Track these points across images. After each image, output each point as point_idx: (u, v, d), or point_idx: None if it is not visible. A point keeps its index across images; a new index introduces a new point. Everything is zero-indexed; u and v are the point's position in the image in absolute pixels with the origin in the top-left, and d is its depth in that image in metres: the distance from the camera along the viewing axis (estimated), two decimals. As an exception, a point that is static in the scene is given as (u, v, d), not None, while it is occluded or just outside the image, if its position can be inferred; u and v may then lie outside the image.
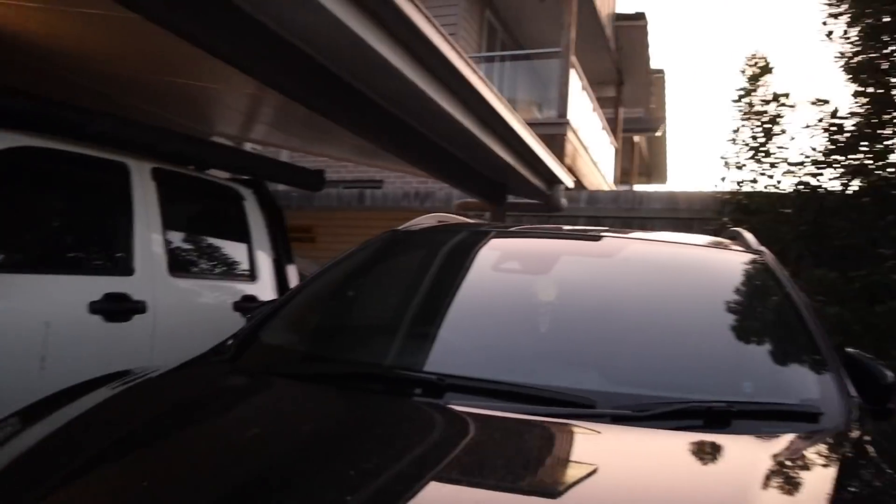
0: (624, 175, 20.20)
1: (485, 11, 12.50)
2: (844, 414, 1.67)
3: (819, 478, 1.34)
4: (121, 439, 1.46)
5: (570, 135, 10.85)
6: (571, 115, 10.98)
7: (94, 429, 1.54)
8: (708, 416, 1.54)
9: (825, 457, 1.46)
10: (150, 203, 3.46)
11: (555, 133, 10.61)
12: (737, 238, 2.77)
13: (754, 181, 6.78)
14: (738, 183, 6.89)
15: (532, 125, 10.60)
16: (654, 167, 25.13)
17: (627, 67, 16.20)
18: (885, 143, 5.95)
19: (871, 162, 5.87)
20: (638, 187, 23.64)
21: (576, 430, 1.51)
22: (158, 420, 1.57)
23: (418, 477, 1.29)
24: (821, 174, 6.28)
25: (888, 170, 5.71)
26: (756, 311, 2.14)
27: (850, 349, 2.20)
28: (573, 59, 11.18)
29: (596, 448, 1.46)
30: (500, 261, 2.44)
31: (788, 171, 6.48)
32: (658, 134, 20.26)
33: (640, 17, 14.87)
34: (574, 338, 1.98)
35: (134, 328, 3.17)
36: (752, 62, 6.81)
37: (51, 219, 3.20)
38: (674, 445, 1.45)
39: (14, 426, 1.61)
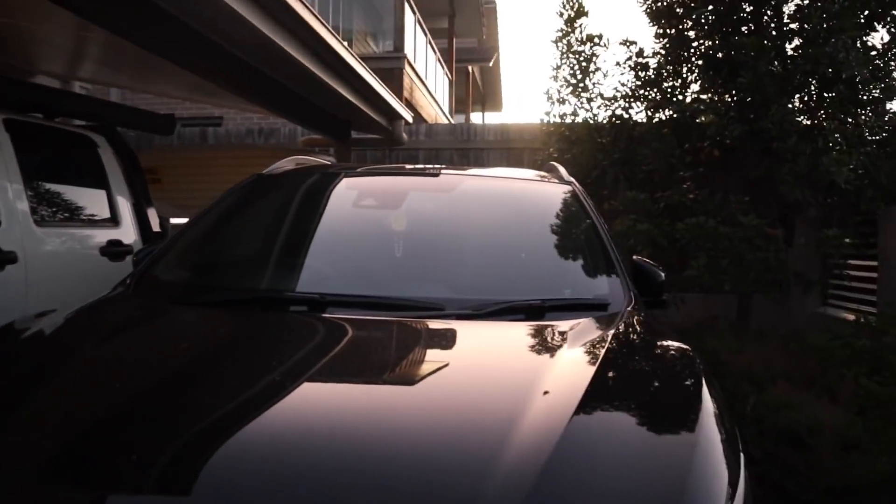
0: (459, 104, 20.84)
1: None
2: (625, 303, 2.26)
3: (596, 339, 1.91)
4: (70, 359, 1.77)
5: (407, 68, 11.21)
6: (408, 49, 11.32)
7: (41, 352, 1.85)
8: (528, 311, 2.07)
9: (604, 328, 2.02)
10: (7, 154, 3.53)
11: (392, 67, 10.93)
12: (552, 171, 3.34)
13: (574, 114, 7.47)
14: (561, 116, 7.57)
15: (370, 59, 10.88)
16: (488, 96, 25.97)
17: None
18: (683, 77, 6.81)
19: (669, 95, 6.71)
20: (474, 116, 24.47)
21: (431, 325, 1.99)
22: (89, 343, 1.88)
23: (303, 370, 1.71)
24: (630, 107, 7.07)
25: (685, 103, 6.56)
26: (565, 232, 2.70)
27: (635, 257, 2.85)
28: (407, -7, 11.45)
29: (445, 336, 1.96)
30: (359, 198, 2.86)
31: (603, 105, 7.22)
32: (491, 64, 20.95)
33: (471, -51, 15.25)
34: (427, 259, 2.48)
35: (7, 278, 3.31)
36: (569, 6, 7.40)
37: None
38: (502, 331, 1.97)
39: None
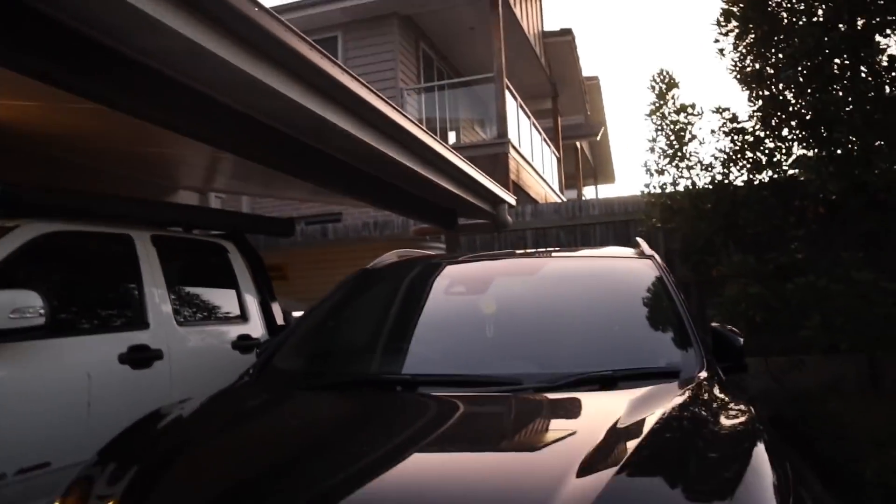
0: (570, 180, 21.12)
1: (419, 43, 13.26)
2: (697, 370, 2.41)
3: (660, 405, 2.06)
4: (205, 438, 2.12)
5: (511, 152, 11.63)
6: (511, 134, 11.77)
7: (182, 432, 2.21)
8: (600, 381, 2.26)
9: (671, 395, 2.17)
10: (154, 265, 4.09)
11: (497, 152, 11.40)
12: (636, 246, 3.53)
13: (675, 183, 7.56)
14: (661, 186, 7.68)
15: (476, 147, 11.40)
16: (599, 169, 26.15)
17: (561, 79, 17.14)
18: (781, 137, 6.81)
19: (768, 157, 6.73)
20: (587, 190, 24.63)
21: (507, 399, 2.22)
22: (226, 424, 2.23)
23: (409, 445, 1.97)
24: (730, 172, 7.11)
25: (783, 165, 6.56)
26: (641, 304, 2.88)
27: (714, 324, 2.98)
28: (507, 81, 11.97)
29: (516, 408, 2.18)
30: (450, 286, 3.17)
31: (702, 172, 7.29)
32: (598, 138, 21.22)
33: (567, 32, 15.80)
34: (507, 338, 2.73)
35: (155, 373, 3.80)
36: (660, 79, 7.62)
37: (80, 288, 3.81)
38: (570, 401, 2.17)
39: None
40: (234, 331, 4.52)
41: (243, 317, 4.67)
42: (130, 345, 3.71)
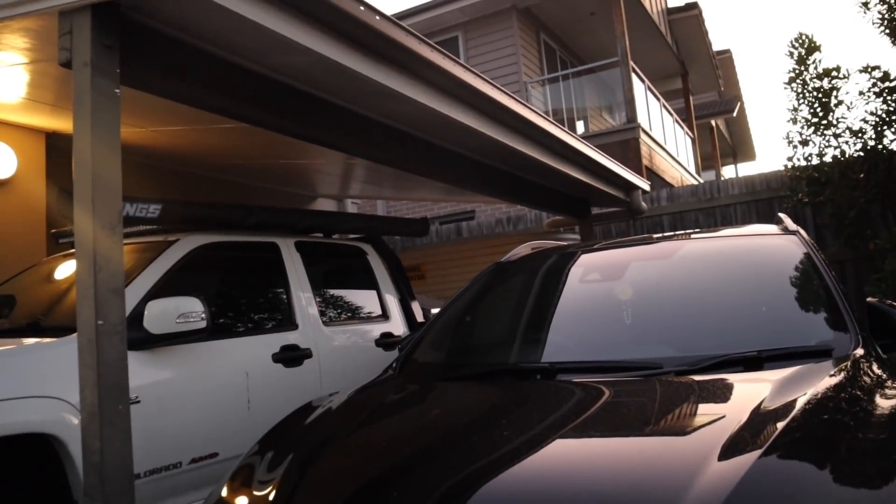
0: (707, 161, 20.34)
1: (539, 35, 13.19)
2: (852, 347, 2.28)
3: (811, 385, 1.97)
4: (353, 427, 2.24)
5: (642, 137, 11.35)
6: (641, 118, 11.49)
7: (335, 420, 2.34)
8: (745, 363, 2.20)
9: (823, 374, 2.07)
10: (299, 270, 4.33)
11: (628, 138, 11.17)
12: (779, 223, 3.38)
13: (821, 154, 7.14)
14: (807, 158, 7.26)
15: (605, 134, 11.22)
16: (738, 146, 25.00)
17: (689, 56, 16.54)
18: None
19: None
20: (726, 169, 23.60)
21: (648, 383, 2.19)
22: (372, 413, 2.35)
23: (550, 431, 1.99)
24: (883, 135, 6.62)
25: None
26: (785, 281, 2.76)
27: (870, 299, 2.81)
28: (633, 64, 11.69)
29: (657, 392, 2.15)
30: (584, 274, 3.16)
31: (853, 137, 6.82)
32: (735, 114, 20.29)
33: (692, 6, 15.23)
34: (646, 322, 2.70)
35: (305, 371, 4.02)
36: (799, 43, 7.20)
37: (235, 293, 4.10)
38: (714, 383, 2.12)
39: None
40: (377, 329, 4.69)
41: (385, 315, 4.85)
42: (282, 345, 3.94)
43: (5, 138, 5.11)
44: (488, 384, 2.50)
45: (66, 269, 4.03)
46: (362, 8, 2.97)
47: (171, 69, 2.89)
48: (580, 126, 12.95)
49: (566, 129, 5.29)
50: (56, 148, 5.37)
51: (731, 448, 1.56)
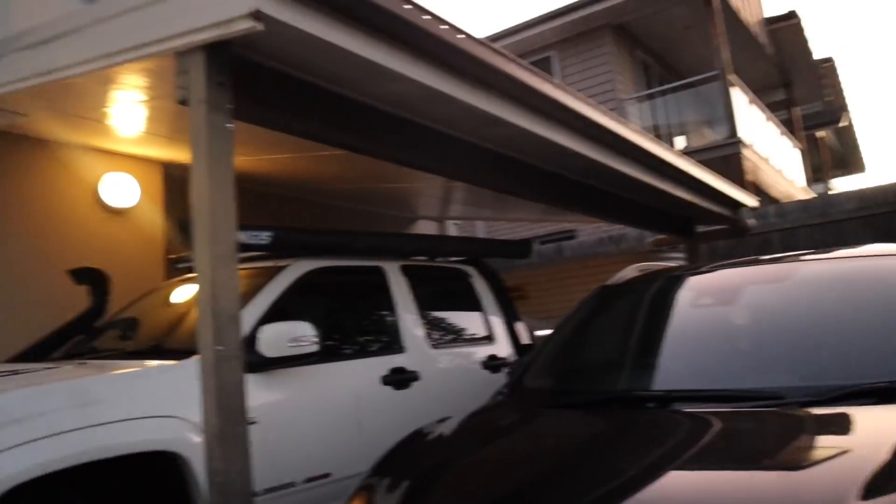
0: (817, 172, 19.50)
1: (634, 52, 13.01)
2: None
3: None
4: (467, 454, 2.25)
5: (745, 151, 10.99)
6: (742, 132, 11.13)
7: (449, 447, 2.36)
8: (877, 394, 2.07)
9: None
10: (405, 293, 4.39)
11: (729, 153, 10.83)
12: (905, 241, 3.20)
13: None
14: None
15: (706, 150, 10.91)
16: (847, 157, 23.86)
17: (791, 66, 15.93)
18: None
19: None
20: (836, 182, 22.54)
21: (769, 414, 2.10)
22: (484, 440, 2.36)
23: (666, 462, 1.94)
24: None
25: None
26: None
27: None
28: (732, 77, 11.35)
29: (780, 424, 2.05)
30: (696, 298, 3.07)
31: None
32: (842, 124, 19.39)
33: (792, 15, 14.69)
34: (763, 349, 2.59)
35: (414, 393, 4.06)
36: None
37: (344, 317, 4.20)
38: (847, 415, 2.00)
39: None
40: (483, 351, 4.70)
41: (490, 338, 4.85)
42: (390, 367, 4.00)
43: (129, 169, 5.43)
44: (601, 412, 2.46)
45: (183, 294, 4.23)
46: (461, 36, 3.01)
47: (278, 102, 3.02)
48: (679, 142, 12.66)
49: (666, 146, 5.20)
50: (172, 177, 5.66)
51: (875, 486, 1.47)
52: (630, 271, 3.53)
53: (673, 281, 3.31)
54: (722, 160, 10.68)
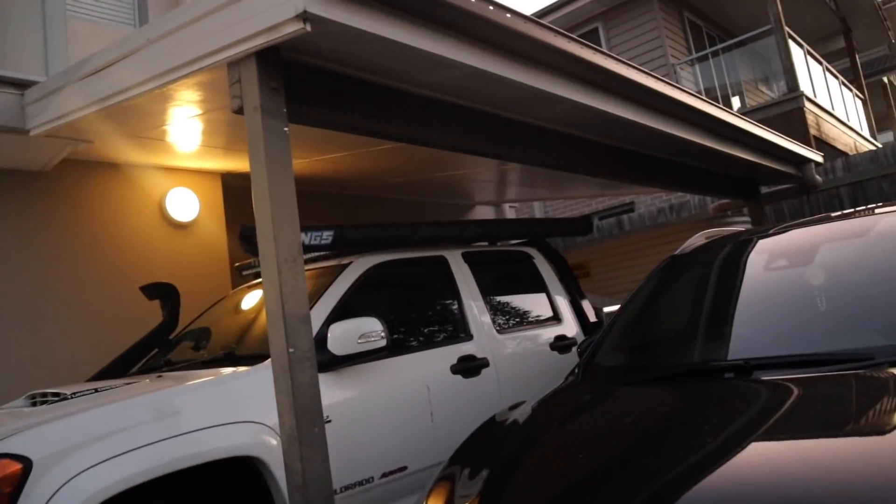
0: (882, 122, 18.71)
1: (683, 13, 12.68)
2: None
3: None
4: (545, 437, 2.22)
5: (806, 105, 10.60)
6: (803, 85, 10.73)
7: (522, 435, 2.34)
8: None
9: None
10: (468, 280, 4.37)
11: (790, 109, 10.47)
12: None
13: None
14: None
15: (765, 108, 10.57)
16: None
17: (850, 11, 15.25)
18: None
19: None
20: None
21: (862, 376, 2.01)
22: (562, 423, 2.33)
23: (753, 433, 1.87)
24: None
25: None
26: None
27: None
28: (788, 29, 10.95)
29: (877, 386, 1.96)
30: (769, 261, 2.96)
31: None
32: (909, 68, 18.52)
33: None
34: (845, 310, 2.48)
35: (484, 380, 4.05)
36: None
37: (409, 309, 4.21)
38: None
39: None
40: (550, 332, 4.65)
41: (556, 318, 4.80)
42: (459, 356, 3.99)
43: (188, 183, 5.55)
44: (679, 386, 2.40)
45: (251, 300, 4.30)
46: (509, 15, 2.96)
47: (329, 101, 3.02)
48: (735, 102, 12.28)
49: (724, 108, 5.04)
50: (230, 186, 5.76)
51: None
52: (698, 239, 3.43)
53: (743, 245, 3.20)
54: (782, 116, 10.32)
